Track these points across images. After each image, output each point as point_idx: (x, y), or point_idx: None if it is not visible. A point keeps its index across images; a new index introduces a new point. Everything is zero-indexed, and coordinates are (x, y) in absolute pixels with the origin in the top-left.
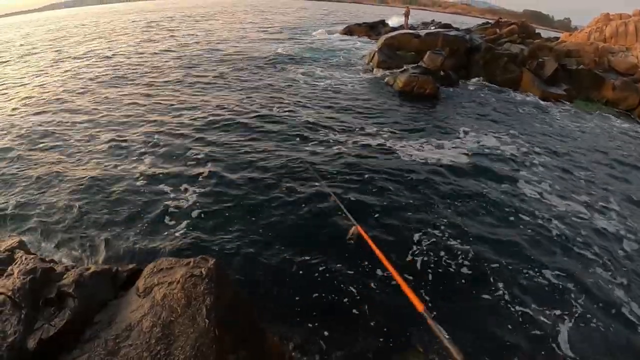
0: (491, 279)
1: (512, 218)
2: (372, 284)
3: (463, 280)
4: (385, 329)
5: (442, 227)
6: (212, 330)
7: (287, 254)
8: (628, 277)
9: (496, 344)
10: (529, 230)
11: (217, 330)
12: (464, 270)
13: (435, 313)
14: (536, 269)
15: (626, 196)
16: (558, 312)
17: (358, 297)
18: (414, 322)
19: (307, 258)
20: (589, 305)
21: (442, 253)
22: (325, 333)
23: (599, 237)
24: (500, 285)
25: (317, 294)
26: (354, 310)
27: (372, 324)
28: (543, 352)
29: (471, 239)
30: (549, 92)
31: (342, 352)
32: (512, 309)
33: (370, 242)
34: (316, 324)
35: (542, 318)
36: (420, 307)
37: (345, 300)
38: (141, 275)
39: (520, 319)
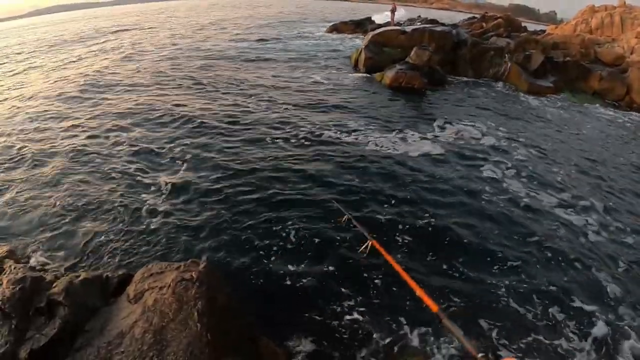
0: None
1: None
2: (371, 292)
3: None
4: (380, 334)
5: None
6: (205, 335)
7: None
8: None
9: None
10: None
11: (209, 334)
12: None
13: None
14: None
15: (602, 190)
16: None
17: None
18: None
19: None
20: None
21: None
22: (322, 338)
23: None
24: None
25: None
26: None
27: (369, 329)
28: None
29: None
30: (536, 85)
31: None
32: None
33: (385, 253)
34: (312, 329)
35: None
36: (434, 307)
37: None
38: (132, 280)
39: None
